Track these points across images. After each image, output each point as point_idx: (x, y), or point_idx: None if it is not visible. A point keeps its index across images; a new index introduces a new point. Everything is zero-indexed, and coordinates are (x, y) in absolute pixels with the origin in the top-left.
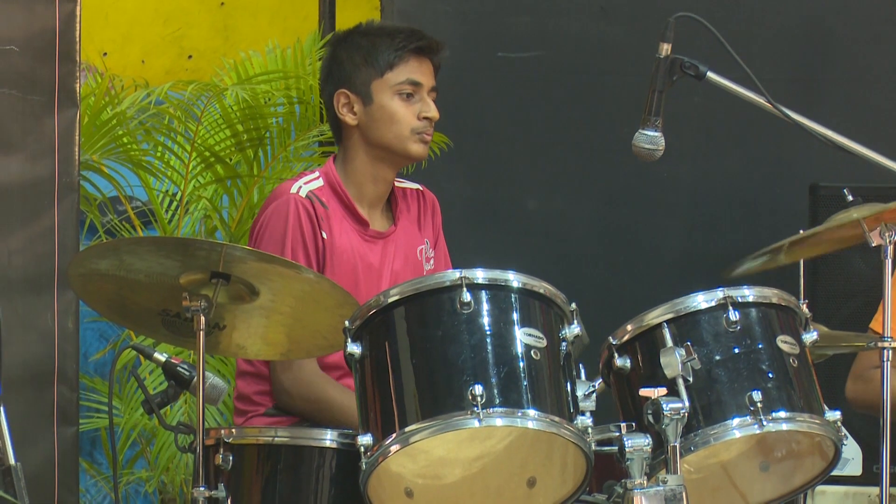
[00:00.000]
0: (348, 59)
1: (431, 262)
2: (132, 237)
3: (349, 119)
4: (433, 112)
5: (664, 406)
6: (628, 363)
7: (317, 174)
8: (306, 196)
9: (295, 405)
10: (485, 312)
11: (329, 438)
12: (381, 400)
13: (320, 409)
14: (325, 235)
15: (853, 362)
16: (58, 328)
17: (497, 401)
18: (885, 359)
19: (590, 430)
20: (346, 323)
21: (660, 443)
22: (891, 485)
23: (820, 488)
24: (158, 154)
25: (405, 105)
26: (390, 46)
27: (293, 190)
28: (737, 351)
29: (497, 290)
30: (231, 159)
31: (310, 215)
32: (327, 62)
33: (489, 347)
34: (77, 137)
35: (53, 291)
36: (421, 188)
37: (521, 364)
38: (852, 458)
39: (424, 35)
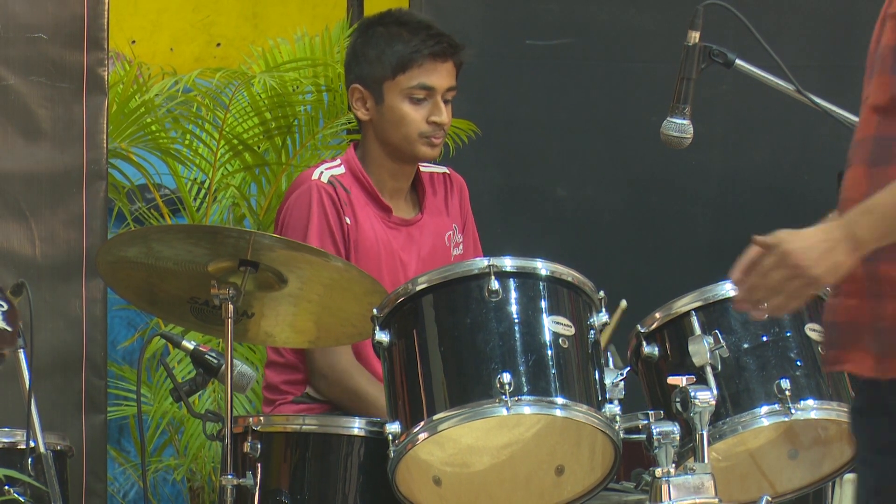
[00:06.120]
0: (363, 53)
1: (460, 247)
2: (161, 225)
3: (362, 114)
4: (443, 117)
5: (692, 394)
6: (656, 351)
7: (338, 161)
8: (328, 181)
9: (330, 391)
10: (513, 300)
11: (357, 426)
12: (409, 388)
13: (352, 399)
14: (348, 221)
15: None
16: (86, 316)
17: (525, 389)
18: None
19: (618, 418)
20: (375, 311)
21: (688, 431)
22: None
23: (848, 476)
24: (187, 142)
25: (414, 108)
26: (406, 48)
27: (314, 176)
28: (765, 339)
29: (525, 278)
30: (259, 147)
31: (333, 201)
32: (349, 51)
33: (517, 335)
34: (105, 125)
35: (82, 279)
36: (448, 171)
37: (550, 352)
38: None
39: (443, 37)
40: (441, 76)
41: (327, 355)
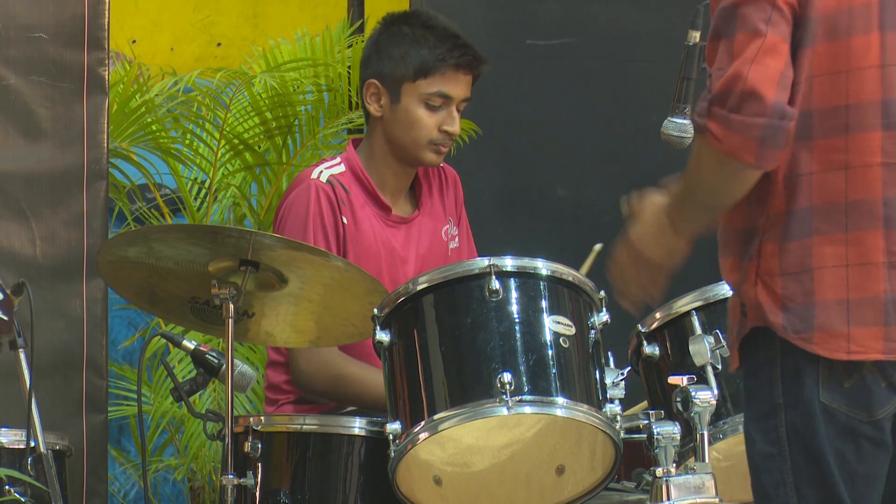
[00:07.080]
0: (386, 50)
1: (456, 240)
2: (161, 225)
3: (374, 110)
4: (455, 128)
5: (693, 394)
6: (657, 351)
7: (338, 160)
8: (327, 181)
9: (315, 386)
10: (514, 300)
11: (358, 426)
12: (409, 387)
13: (339, 385)
14: (345, 220)
15: None
16: (86, 316)
17: (526, 388)
18: None
19: (619, 417)
20: (375, 310)
21: (689, 430)
22: None
23: None
24: (187, 142)
25: (429, 114)
26: (430, 54)
27: (314, 175)
28: None
29: (526, 278)
30: (260, 147)
31: (330, 200)
32: (369, 45)
33: (518, 335)
34: (106, 125)
35: (82, 279)
36: (441, 164)
37: (550, 352)
38: None
39: (468, 49)
40: (460, 87)
41: (306, 351)
